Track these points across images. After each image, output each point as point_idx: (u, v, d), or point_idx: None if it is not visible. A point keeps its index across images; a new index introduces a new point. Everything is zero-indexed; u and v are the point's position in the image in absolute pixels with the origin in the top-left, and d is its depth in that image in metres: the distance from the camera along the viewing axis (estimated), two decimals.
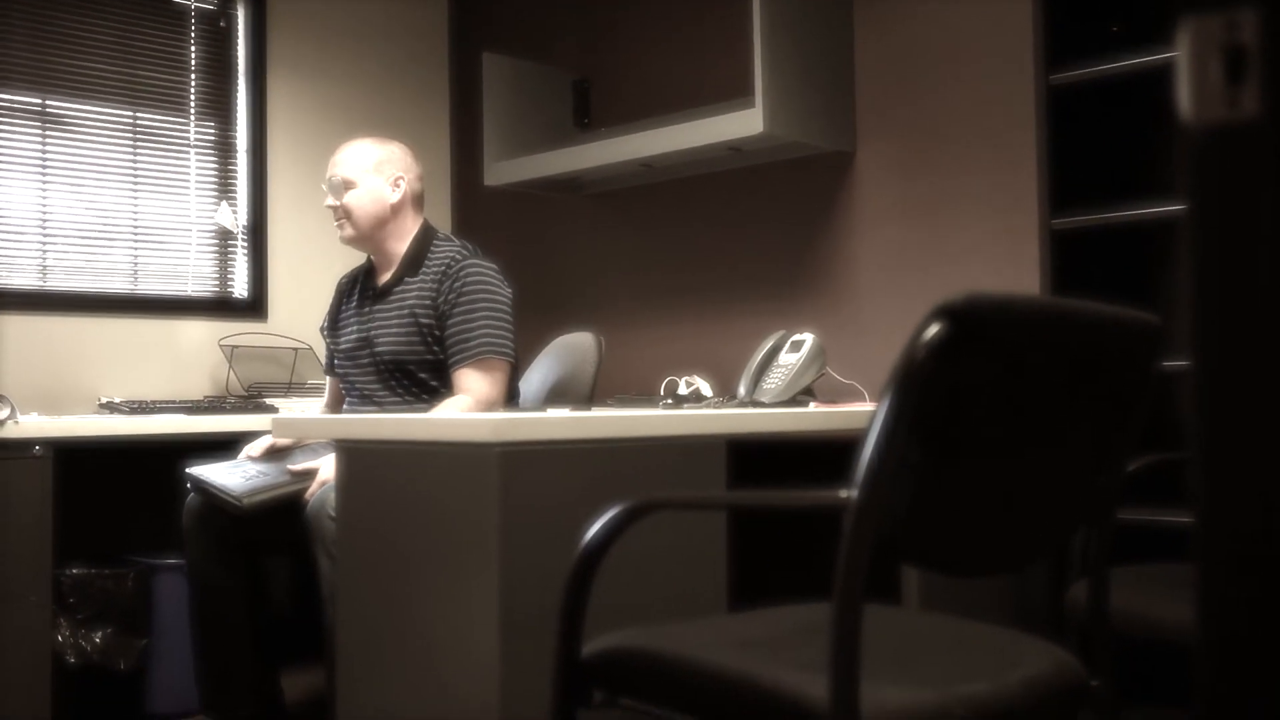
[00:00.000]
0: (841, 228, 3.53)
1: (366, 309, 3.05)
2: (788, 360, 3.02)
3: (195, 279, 4.08)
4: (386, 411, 2.91)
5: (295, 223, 4.27)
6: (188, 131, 4.11)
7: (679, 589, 2.00)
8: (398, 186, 3.04)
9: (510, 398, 3.02)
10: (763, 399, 2.97)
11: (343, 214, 3.02)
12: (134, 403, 3.46)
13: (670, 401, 3.28)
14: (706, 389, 3.61)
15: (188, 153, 4.12)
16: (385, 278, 3.04)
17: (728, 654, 1.38)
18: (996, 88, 3.20)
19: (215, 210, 4.12)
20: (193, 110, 4.13)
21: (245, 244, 4.18)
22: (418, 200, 3.10)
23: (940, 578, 2.33)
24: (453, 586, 1.86)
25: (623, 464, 1.96)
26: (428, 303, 2.93)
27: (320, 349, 4.10)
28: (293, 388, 3.94)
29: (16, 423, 2.97)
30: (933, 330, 1.26)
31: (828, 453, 2.45)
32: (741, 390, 3.06)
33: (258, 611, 3.00)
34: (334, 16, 4.43)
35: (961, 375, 1.28)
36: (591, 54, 4.22)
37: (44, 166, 3.80)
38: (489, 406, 2.85)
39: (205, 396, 3.84)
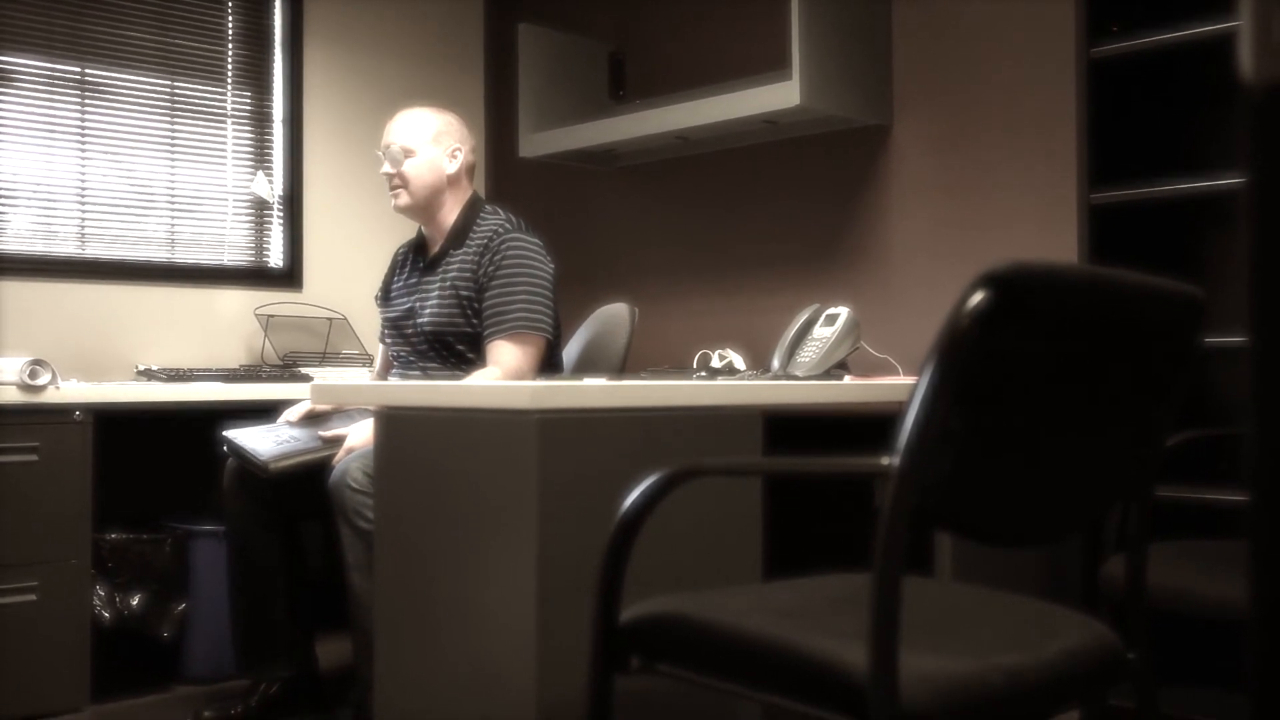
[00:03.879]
0: (877, 202, 3.52)
1: (414, 281, 3.07)
2: (822, 334, 3.01)
3: (231, 248, 4.11)
4: (429, 378, 2.93)
5: (331, 193, 4.28)
6: (225, 101, 4.13)
7: (715, 558, 2.01)
8: (455, 158, 3.05)
9: (553, 371, 3.02)
10: (797, 372, 2.97)
11: (399, 182, 3.02)
12: (171, 370, 3.49)
13: (704, 374, 3.28)
14: (740, 362, 3.61)
15: (224, 122, 4.13)
16: (434, 250, 3.06)
17: (765, 621, 1.38)
18: (1036, 60, 3.17)
19: (251, 180, 4.14)
20: (230, 80, 4.14)
21: (281, 214, 4.20)
22: (470, 172, 3.11)
23: (974, 550, 2.33)
24: (491, 553, 1.87)
25: (659, 433, 1.96)
26: (468, 275, 2.94)
27: (355, 319, 4.12)
28: (327, 357, 3.96)
29: (57, 388, 3.00)
30: (977, 298, 1.26)
31: (861, 426, 2.45)
32: (775, 363, 3.06)
33: (294, 576, 3.03)
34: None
35: (1004, 344, 1.28)
36: (627, 25, 4.21)
37: (83, 135, 3.82)
38: (517, 379, 2.85)
39: (241, 365, 3.87)
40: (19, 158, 3.70)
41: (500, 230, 2.96)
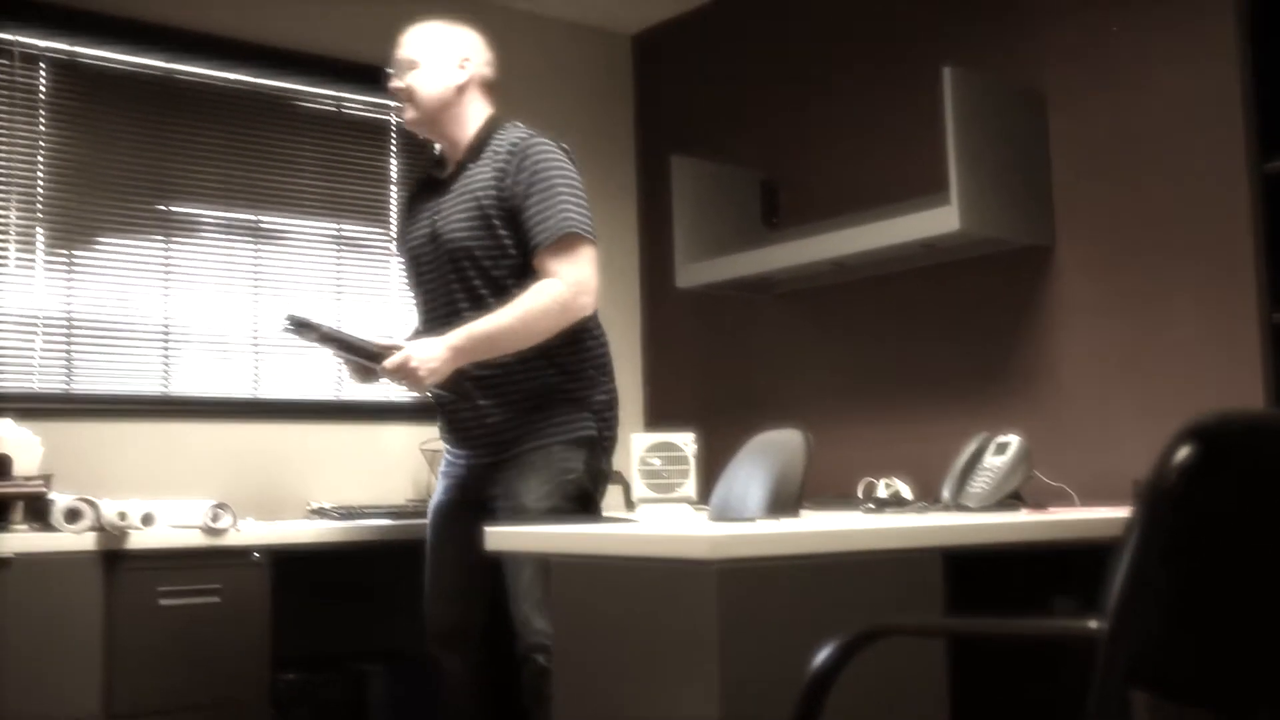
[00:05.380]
0: (1042, 325, 3.45)
1: (432, 203, 2.88)
2: (993, 463, 2.94)
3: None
4: (464, 322, 2.73)
5: None
6: (388, 240, 4.27)
7: (895, 710, 1.95)
8: (463, 68, 2.89)
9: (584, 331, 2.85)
10: (969, 503, 2.90)
11: (406, 96, 2.88)
12: (343, 508, 3.56)
13: (871, 505, 3.22)
14: (906, 491, 3.54)
15: (388, 262, 4.27)
16: (450, 169, 2.89)
17: None
18: (1204, 176, 3.10)
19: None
20: (393, 220, 4.28)
21: None
22: (486, 86, 2.94)
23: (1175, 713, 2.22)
24: (671, 706, 1.84)
25: (839, 578, 1.92)
26: (490, 186, 2.76)
27: None
28: None
29: (238, 530, 3.08)
30: (1182, 453, 1.21)
31: (1041, 560, 2.37)
32: (946, 493, 2.99)
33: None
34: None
35: (1212, 499, 1.23)
36: (778, 153, 4.25)
37: (256, 278, 3.98)
38: (582, 288, 2.71)
39: (409, 500, 3.93)
40: (193, 302, 3.86)
41: (522, 138, 2.79)
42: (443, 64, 2.88)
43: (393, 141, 4.32)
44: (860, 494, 3.64)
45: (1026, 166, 3.42)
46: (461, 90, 2.89)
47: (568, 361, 2.83)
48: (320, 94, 4.16)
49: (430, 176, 2.99)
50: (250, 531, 3.13)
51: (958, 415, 3.56)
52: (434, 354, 2.66)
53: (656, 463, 3.96)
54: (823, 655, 1.43)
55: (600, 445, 2.89)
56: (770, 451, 3.11)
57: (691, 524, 2.36)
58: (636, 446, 3.97)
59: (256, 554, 3.09)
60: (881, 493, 3.56)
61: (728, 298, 4.28)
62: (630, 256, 4.73)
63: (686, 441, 3.96)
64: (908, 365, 3.79)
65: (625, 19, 4.74)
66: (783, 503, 2.76)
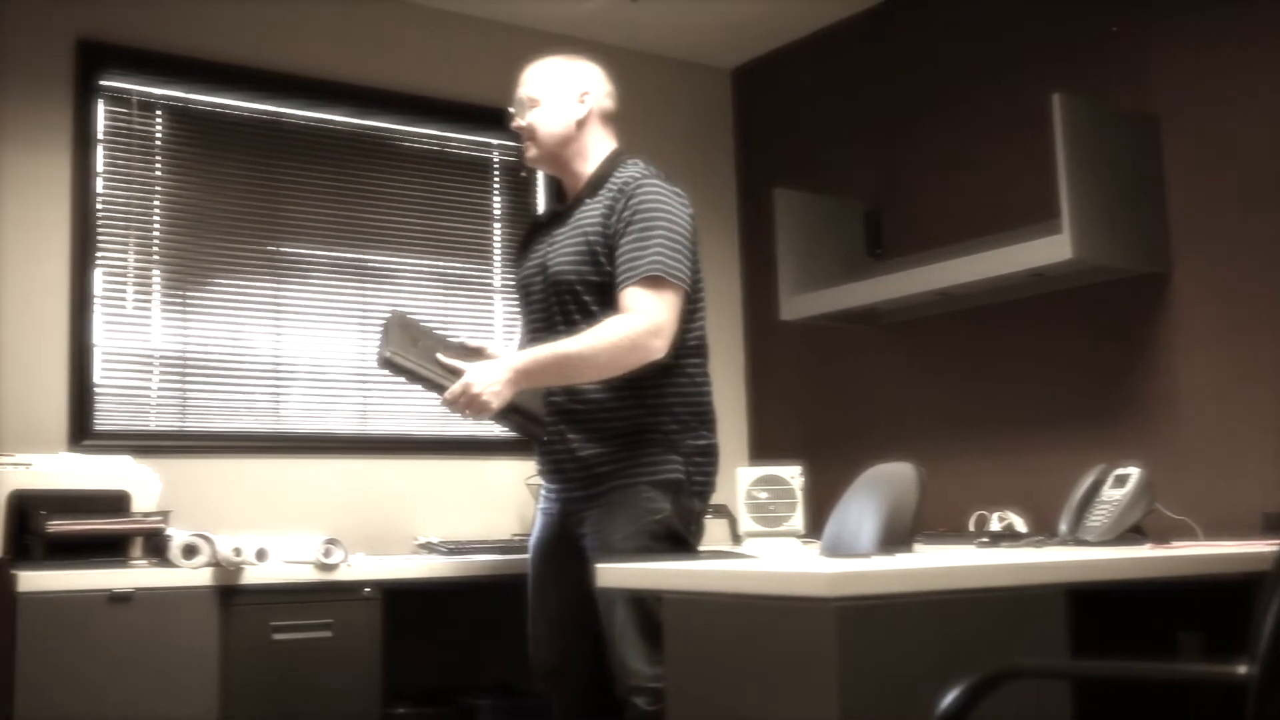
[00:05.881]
0: (1161, 352, 3.36)
1: (548, 235, 2.87)
2: (1112, 495, 2.87)
3: None
4: None
5: None
6: (492, 277, 4.30)
7: None
8: (583, 102, 2.86)
9: (695, 349, 2.81)
10: (1088, 537, 2.83)
11: (528, 134, 2.87)
12: (450, 543, 3.58)
13: (985, 540, 3.16)
14: (1020, 524, 3.47)
15: (492, 297, 4.30)
16: (570, 203, 2.87)
17: None
18: None
19: None
20: (497, 257, 4.32)
21: None
22: (607, 119, 2.91)
23: None
24: None
25: (960, 616, 1.88)
26: (598, 223, 2.73)
27: None
28: None
29: (349, 565, 3.11)
30: None
31: (1160, 595, 2.30)
32: (1063, 527, 2.92)
33: None
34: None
35: None
36: (882, 183, 4.21)
37: (364, 316, 4.04)
38: (655, 329, 2.63)
39: (514, 534, 3.94)
40: (302, 340, 3.93)
41: (635, 177, 2.75)
42: (562, 100, 2.86)
43: (496, 179, 4.36)
44: (972, 528, 3.58)
45: (1140, 191, 3.35)
46: (582, 125, 2.86)
47: (657, 401, 2.75)
48: (424, 133, 4.22)
49: (553, 210, 3.00)
50: (361, 567, 3.16)
51: (1072, 447, 3.48)
52: (496, 376, 2.61)
53: (763, 496, 3.94)
54: (950, 698, 1.40)
55: (689, 489, 2.77)
56: (882, 485, 3.06)
57: (807, 560, 2.33)
58: (742, 480, 3.96)
59: (368, 589, 3.11)
60: (995, 526, 3.49)
61: (832, 330, 4.24)
62: (733, 289, 4.71)
63: (793, 475, 3.95)
64: (1018, 396, 3.71)
65: (724, 54, 4.74)
66: (896, 537, 2.71)
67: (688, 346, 2.79)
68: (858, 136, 4.31)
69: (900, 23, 4.18)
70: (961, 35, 3.97)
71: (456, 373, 2.63)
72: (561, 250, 2.79)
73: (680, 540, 2.74)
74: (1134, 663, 1.18)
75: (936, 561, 2.08)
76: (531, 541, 2.98)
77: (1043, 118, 3.25)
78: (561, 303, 2.78)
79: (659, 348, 2.65)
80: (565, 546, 2.84)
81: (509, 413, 2.68)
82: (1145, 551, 2.49)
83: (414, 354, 2.67)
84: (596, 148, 2.87)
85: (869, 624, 1.78)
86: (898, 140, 4.16)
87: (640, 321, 2.63)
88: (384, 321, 2.77)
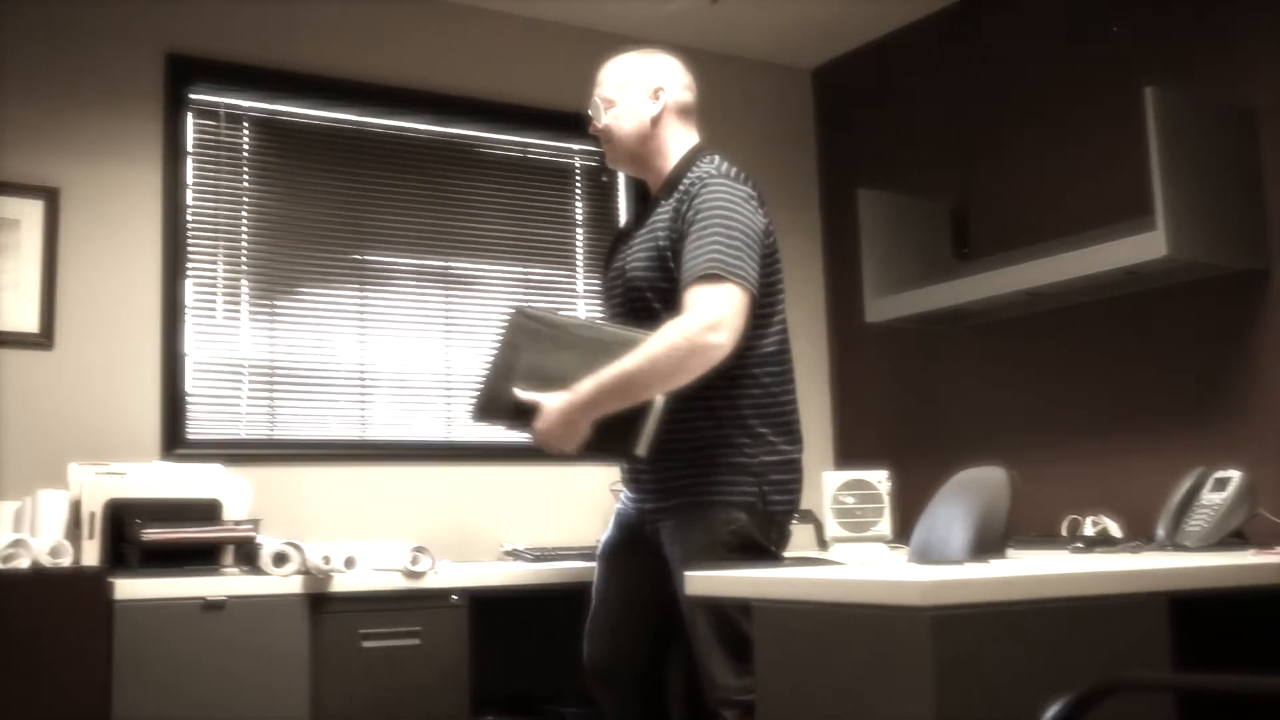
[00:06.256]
0: (1259, 351, 3.27)
1: (630, 239, 2.80)
2: (1212, 500, 2.80)
3: None
4: None
5: None
6: (575, 282, 4.31)
7: None
8: (657, 98, 2.78)
9: (771, 357, 2.70)
10: (1186, 543, 2.76)
11: (605, 136, 2.82)
12: (536, 550, 3.58)
13: (1080, 545, 3.10)
14: (1115, 529, 3.40)
15: (576, 303, 4.30)
16: (650, 203, 2.81)
17: None
18: None
19: None
20: (580, 262, 4.32)
21: None
22: (684, 112, 2.82)
23: None
24: None
25: (1059, 625, 1.83)
26: (667, 226, 2.66)
27: None
28: None
29: (436, 572, 3.12)
30: None
31: (1259, 603, 2.23)
32: (1160, 532, 2.85)
33: None
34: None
35: None
36: (967, 181, 4.15)
37: (448, 323, 4.06)
38: (712, 324, 2.48)
39: (599, 541, 3.93)
40: (387, 348, 3.96)
41: (702, 176, 2.65)
42: (636, 98, 2.79)
43: (578, 185, 4.36)
44: (1065, 532, 3.51)
45: (1236, 186, 3.26)
46: (657, 121, 2.78)
47: (729, 414, 2.65)
48: (506, 140, 4.23)
49: (636, 213, 2.96)
50: (448, 574, 3.17)
51: (1167, 449, 3.39)
52: (561, 420, 2.56)
53: (849, 501, 3.90)
54: (1052, 711, 1.35)
55: (761, 511, 2.66)
56: (972, 490, 3.01)
57: (899, 568, 2.29)
58: (828, 484, 3.92)
59: (455, 596, 3.12)
60: (1089, 531, 3.42)
61: (918, 331, 4.18)
62: (816, 292, 4.67)
63: (880, 479, 3.89)
64: (1111, 397, 3.63)
65: (805, 54, 4.70)
66: (988, 544, 2.65)
67: (763, 354, 2.67)
68: (942, 135, 4.25)
69: (984, 18, 4.11)
70: (1048, 29, 3.90)
71: (533, 413, 2.59)
72: (636, 254, 2.74)
73: (759, 549, 2.66)
74: (1252, 678, 1.13)
75: (1033, 569, 2.03)
76: (601, 541, 2.96)
77: (1134, 112, 3.18)
78: (634, 310, 2.72)
79: (720, 342, 2.49)
80: (634, 550, 2.82)
81: (588, 454, 2.65)
82: (1248, 558, 2.42)
83: (498, 407, 2.64)
84: (676, 143, 2.79)
85: (964, 634, 1.74)
86: (983, 138, 4.09)
87: (694, 320, 2.50)
88: (501, 332, 2.68)
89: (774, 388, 2.71)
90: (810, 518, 4.11)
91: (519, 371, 2.63)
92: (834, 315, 4.65)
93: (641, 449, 2.57)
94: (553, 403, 2.56)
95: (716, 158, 2.74)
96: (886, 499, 3.87)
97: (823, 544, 3.98)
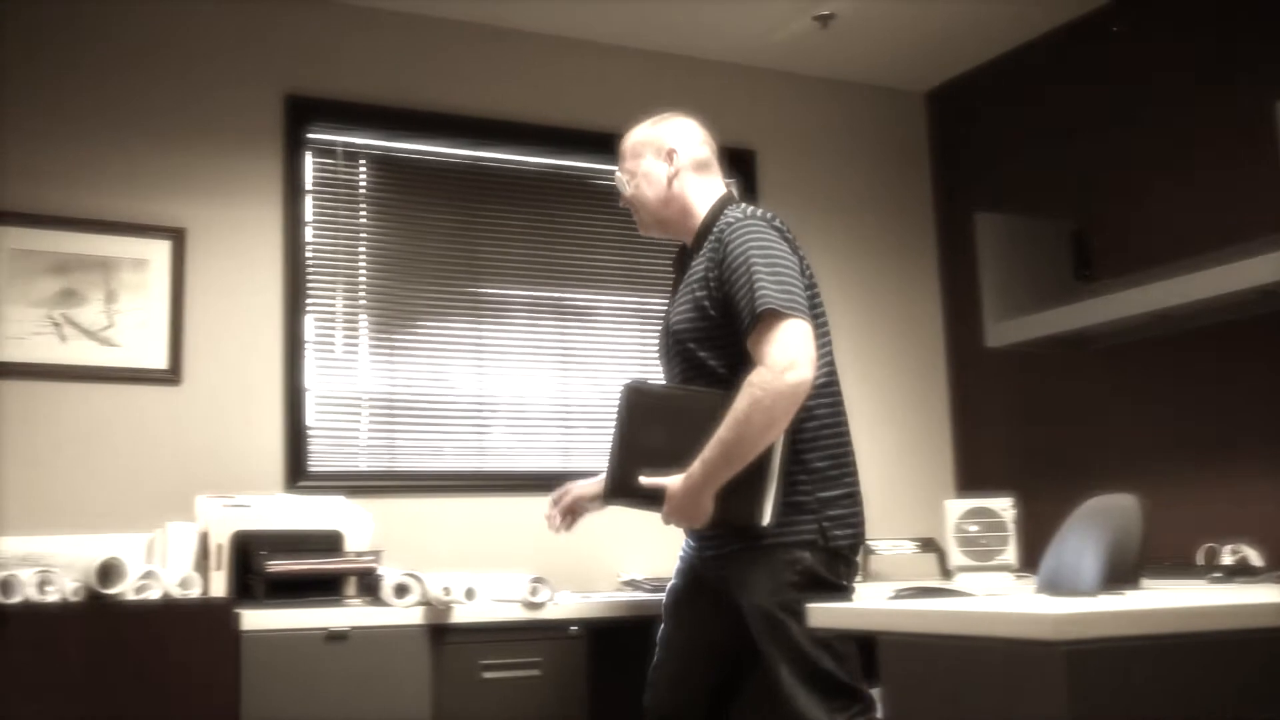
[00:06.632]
0: None
1: (674, 297, 2.82)
2: None
3: None
4: None
5: None
6: None
7: None
8: (671, 160, 2.79)
9: (822, 388, 2.63)
10: None
11: (633, 207, 2.87)
12: (654, 580, 3.56)
13: (1218, 574, 2.99)
14: (1255, 558, 3.27)
15: None
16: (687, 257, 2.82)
17: None
18: None
19: None
20: None
21: None
22: (702, 166, 2.82)
23: None
24: None
25: (1202, 660, 1.76)
26: (702, 276, 2.65)
27: None
28: None
29: (555, 603, 3.12)
30: None
31: None
32: None
33: None
34: (819, 190, 4.53)
35: None
36: (1089, 202, 4.05)
37: (564, 354, 4.07)
38: (786, 366, 2.45)
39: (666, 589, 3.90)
40: (504, 379, 3.99)
41: (730, 222, 2.64)
42: (651, 164, 2.83)
43: None
44: (1201, 561, 3.39)
45: None
46: (676, 180, 2.80)
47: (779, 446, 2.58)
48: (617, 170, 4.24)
49: (678, 274, 2.93)
50: (566, 605, 3.17)
51: None
52: (683, 501, 2.57)
53: (973, 529, 3.81)
54: None
55: (824, 547, 2.60)
56: (1102, 518, 2.91)
57: (1030, 599, 2.23)
58: (951, 512, 3.84)
59: (574, 627, 3.11)
60: (1227, 560, 3.30)
61: (1039, 356, 4.09)
62: (933, 316, 4.60)
63: (1004, 506, 3.80)
64: (1245, 420, 3.51)
65: (917, 77, 4.65)
66: (1120, 574, 2.56)
67: (815, 386, 2.58)
68: (1061, 155, 4.16)
69: (1103, 35, 4.02)
70: (1172, 44, 3.80)
71: (659, 496, 2.60)
72: (678, 309, 2.74)
73: (829, 585, 2.60)
74: None
75: (1172, 600, 1.96)
76: (667, 589, 2.94)
77: (1264, 127, 3.08)
78: (684, 358, 2.71)
79: (801, 379, 2.47)
80: (698, 600, 2.80)
81: (718, 526, 2.62)
82: None
83: (628, 491, 2.65)
84: (700, 197, 2.80)
85: (1101, 669, 1.68)
86: (1106, 156, 4.00)
87: (768, 368, 2.48)
88: (616, 409, 2.69)
89: (828, 420, 2.67)
90: (933, 546, 4.04)
91: (640, 452, 2.63)
92: (952, 340, 4.58)
93: (765, 518, 2.55)
94: (675, 484, 2.57)
95: (743, 204, 2.75)
96: (1011, 527, 3.79)
97: (946, 573, 3.90)
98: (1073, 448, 4.05)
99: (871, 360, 4.49)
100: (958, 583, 3.71)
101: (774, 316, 2.49)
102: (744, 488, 2.55)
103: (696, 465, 2.53)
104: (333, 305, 3.83)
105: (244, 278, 3.69)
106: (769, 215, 2.69)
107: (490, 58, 4.10)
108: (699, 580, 2.79)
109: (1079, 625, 1.69)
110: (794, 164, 4.50)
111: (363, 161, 3.93)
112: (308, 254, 3.79)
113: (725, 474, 2.52)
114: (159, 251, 3.57)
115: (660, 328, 2.89)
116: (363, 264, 3.89)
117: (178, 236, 3.60)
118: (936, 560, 3.97)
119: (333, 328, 3.82)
